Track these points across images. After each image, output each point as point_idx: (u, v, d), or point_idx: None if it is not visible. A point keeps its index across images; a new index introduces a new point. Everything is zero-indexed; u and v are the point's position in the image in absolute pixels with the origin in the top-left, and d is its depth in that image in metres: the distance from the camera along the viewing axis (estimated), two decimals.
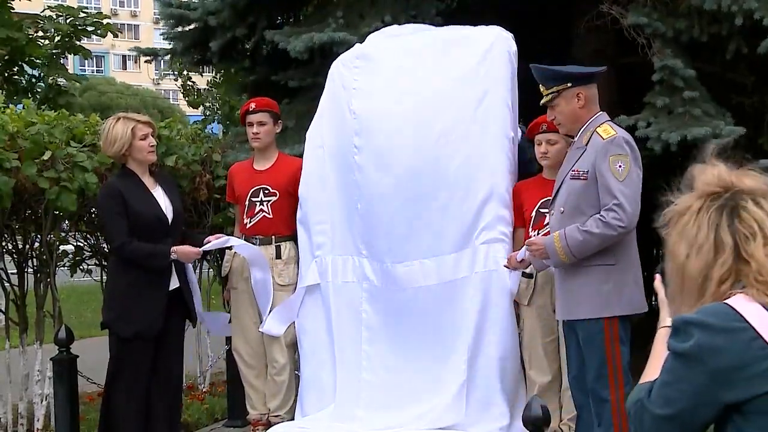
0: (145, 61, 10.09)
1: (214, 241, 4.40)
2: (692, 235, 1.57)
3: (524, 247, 3.89)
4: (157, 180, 4.33)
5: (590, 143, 3.59)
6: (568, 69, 3.77)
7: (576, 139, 3.72)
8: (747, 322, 1.48)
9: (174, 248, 4.17)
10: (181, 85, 13.38)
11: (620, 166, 3.47)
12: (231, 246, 4.60)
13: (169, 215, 4.24)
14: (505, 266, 4.09)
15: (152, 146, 4.27)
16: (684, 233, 1.58)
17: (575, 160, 3.64)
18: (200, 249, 4.31)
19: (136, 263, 4.12)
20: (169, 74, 12.39)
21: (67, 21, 7.87)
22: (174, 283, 4.24)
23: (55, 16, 7.86)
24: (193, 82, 13.21)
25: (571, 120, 3.69)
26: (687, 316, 1.53)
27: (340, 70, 4.67)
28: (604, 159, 3.50)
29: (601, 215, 3.49)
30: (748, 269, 1.53)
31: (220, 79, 11.85)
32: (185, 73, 12.28)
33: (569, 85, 3.63)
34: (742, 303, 1.51)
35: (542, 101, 3.74)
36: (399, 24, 5.10)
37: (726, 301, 1.52)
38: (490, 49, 4.38)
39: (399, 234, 4.41)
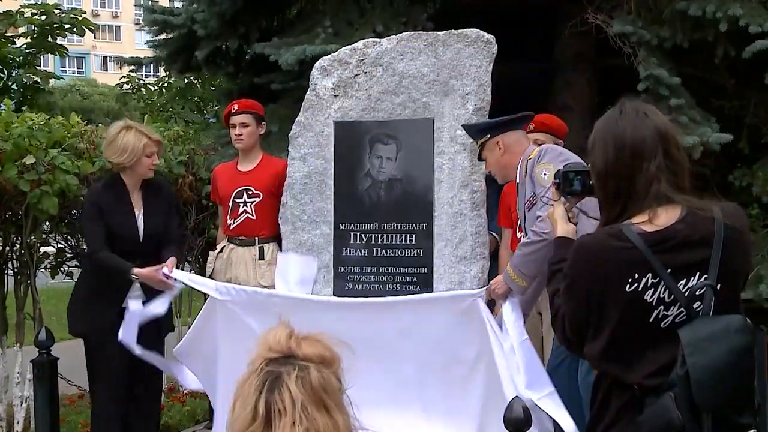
0: (129, 71, 9.94)
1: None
2: (244, 395, 1.55)
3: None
4: (147, 193, 4.25)
5: (526, 172, 3.55)
6: (484, 122, 3.76)
7: (518, 178, 3.66)
8: None
9: (136, 271, 4.02)
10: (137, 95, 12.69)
11: (545, 174, 3.44)
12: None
13: (140, 234, 4.17)
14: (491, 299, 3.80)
15: (154, 165, 4.25)
16: (241, 392, 1.56)
17: (524, 193, 3.61)
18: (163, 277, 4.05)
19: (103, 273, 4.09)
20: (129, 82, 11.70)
21: (42, 18, 7.73)
22: (134, 304, 4.06)
23: (29, 14, 7.71)
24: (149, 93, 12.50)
25: (499, 168, 3.68)
26: None
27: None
28: (532, 173, 3.50)
29: (533, 227, 3.43)
30: None
31: (164, 86, 11.44)
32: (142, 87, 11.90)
33: (488, 136, 3.64)
34: None
35: (478, 157, 3.75)
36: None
37: None
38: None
39: None
